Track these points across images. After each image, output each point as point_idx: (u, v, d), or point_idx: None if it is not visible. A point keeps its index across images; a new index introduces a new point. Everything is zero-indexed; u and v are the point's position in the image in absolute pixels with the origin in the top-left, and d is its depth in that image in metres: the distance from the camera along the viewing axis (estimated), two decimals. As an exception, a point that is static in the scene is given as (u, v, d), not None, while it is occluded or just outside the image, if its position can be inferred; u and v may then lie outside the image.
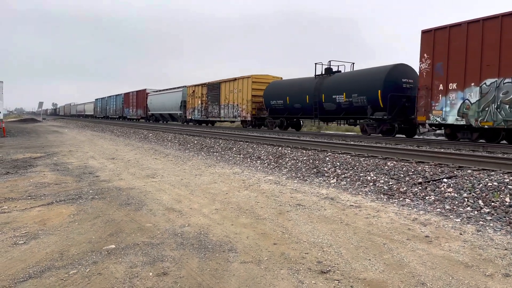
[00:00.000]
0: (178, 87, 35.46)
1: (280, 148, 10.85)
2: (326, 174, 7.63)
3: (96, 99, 67.51)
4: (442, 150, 10.13)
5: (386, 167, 7.34)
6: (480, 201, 5.10)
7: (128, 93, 49.10)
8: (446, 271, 3.09)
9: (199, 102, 30.68)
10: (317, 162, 8.57)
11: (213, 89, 28.70)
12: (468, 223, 4.48)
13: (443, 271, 3.08)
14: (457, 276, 2.99)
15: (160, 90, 40.21)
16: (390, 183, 6.46)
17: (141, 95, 44.22)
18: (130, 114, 48.27)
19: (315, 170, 8.04)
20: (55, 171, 8.28)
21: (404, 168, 7.07)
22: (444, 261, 3.30)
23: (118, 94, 52.96)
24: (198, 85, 31.23)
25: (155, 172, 8.23)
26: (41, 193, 5.96)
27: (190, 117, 32.66)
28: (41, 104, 58.42)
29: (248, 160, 10.07)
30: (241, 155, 10.72)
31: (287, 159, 9.28)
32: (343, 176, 7.31)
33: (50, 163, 9.57)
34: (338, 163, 8.15)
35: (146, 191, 6.22)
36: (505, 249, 3.60)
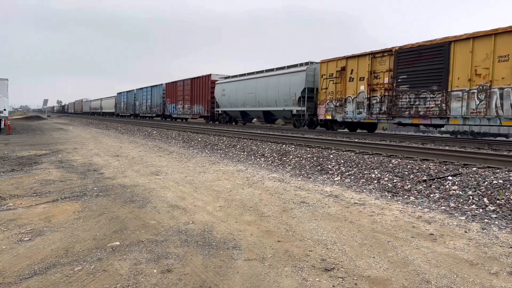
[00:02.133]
0: (293, 66, 20.69)
1: (284, 146, 10.84)
2: (330, 172, 7.62)
3: (119, 93, 54.41)
4: (447, 147, 10.09)
5: (391, 164, 7.32)
6: (485, 199, 5.08)
7: (175, 82, 35.51)
8: (451, 269, 3.08)
9: (362, 88, 16.27)
10: (321, 159, 8.56)
11: (419, 59, 13.94)
12: (473, 221, 4.45)
13: (447, 269, 3.07)
14: (462, 274, 2.98)
15: (240, 75, 25.91)
16: (395, 180, 6.44)
17: (203, 83, 30.16)
18: (178, 112, 34.71)
19: (319, 167, 8.03)
20: (60, 168, 8.32)
21: (408, 166, 7.04)
22: (449, 259, 3.29)
23: (156, 85, 40.48)
24: (356, 57, 16.65)
25: (159, 169, 8.25)
26: (46, 190, 5.99)
27: (327, 117, 18.31)
28: (45, 101, 58.49)
29: (252, 157, 10.07)
30: (245, 153, 10.72)
31: (291, 157, 9.27)
32: (347, 173, 7.29)
33: (55, 160, 9.62)
34: (342, 161, 8.14)
35: (150, 188, 6.24)
36: (510, 247, 3.58)
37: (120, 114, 54.20)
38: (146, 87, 43.60)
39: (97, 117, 56.76)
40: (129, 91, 50.06)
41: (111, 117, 54.27)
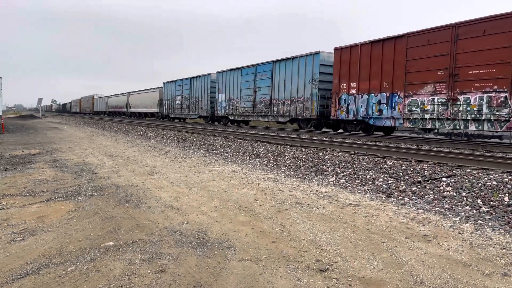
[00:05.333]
0: None
1: (279, 146, 10.84)
2: (325, 173, 7.63)
3: (169, 83, 35.95)
4: (441, 149, 10.13)
5: (385, 165, 7.34)
6: (479, 200, 5.10)
7: (390, 40, 14.44)
8: (445, 270, 3.09)
9: None
10: (316, 160, 8.56)
11: None
12: (466, 222, 4.48)
13: (441, 270, 3.08)
14: (456, 275, 2.99)
15: None
16: (389, 181, 6.45)
17: None
18: (423, 113, 13.32)
19: (314, 168, 8.04)
20: (54, 167, 8.26)
21: (403, 167, 7.07)
22: (443, 260, 3.30)
23: (294, 57, 19.69)
24: None
25: (154, 169, 8.22)
26: (39, 190, 5.95)
27: None
28: (40, 100, 58.16)
29: (247, 158, 10.06)
30: (240, 153, 10.71)
31: (286, 157, 9.27)
32: (342, 174, 7.30)
33: (49, 159, 9.55)
34: (337, 162, 8.15)
35: (145, 188, 6.21)
36: (504, 248, 3.60)
37: (173, 116, 35.36)
38: (259, 65, 22.29)
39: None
40: (197, 77, 30.71)
41: (150, 120, 36.17)
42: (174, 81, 35.16)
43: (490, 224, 4.37)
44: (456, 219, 4.59)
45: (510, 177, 5.68)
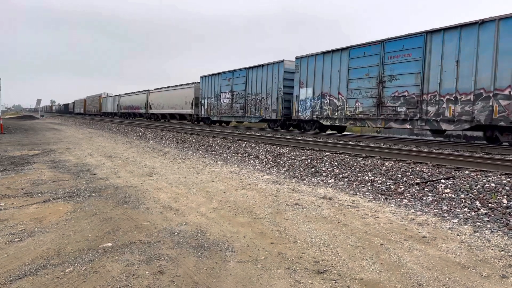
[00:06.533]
0: None
1: (278, 148, 10.85)
2: (324, 174, 7.63)
3: (207, 77, 27.75)
4: (440, 151, 10.14)
5: (384, 167, 7.35)
6: (477, 202, 5.11)
7: None
8: (443, 272, 3.09)
9: None
10: (315, 161, 8.57)
11: None
12: (465, 224, 4.48)
13: (440, 272, 3.08)
14: (454, 277, 2.99)
15: None
16: (388, 183, 6.46)
17: None
18: None
19: (313, 169, 8.04)
20: (53, 168, 8.25)
21: (402, 169, 7.07)
22: (441, 262, 3.30)
23: (506, 16, 10.49)
24: None
25: (152, 170, 8.22)
26: (38, 191, 5.94)
27: None
28: (39, 101, 57.99)
29: (246, 159, 10.06)
30: (239, 154, 10.71)
31: (285, 159, 9.28)
32: (341, 176, 7.31)
33: (48, 160, 9.54)
34: (336, 163, 8.15)
35: (143, 189, 6.20)
36: (502, 250, 3.60)
37: (217, 118, 26.96)
38: (390, 41, 14.29)
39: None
40: (258, 66, 22.21)
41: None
42: (219, 73, 26.34)
43: (488, 226, 4.37)
44: (454, 221, 4.60)
45: (508, 179, 5.69)
